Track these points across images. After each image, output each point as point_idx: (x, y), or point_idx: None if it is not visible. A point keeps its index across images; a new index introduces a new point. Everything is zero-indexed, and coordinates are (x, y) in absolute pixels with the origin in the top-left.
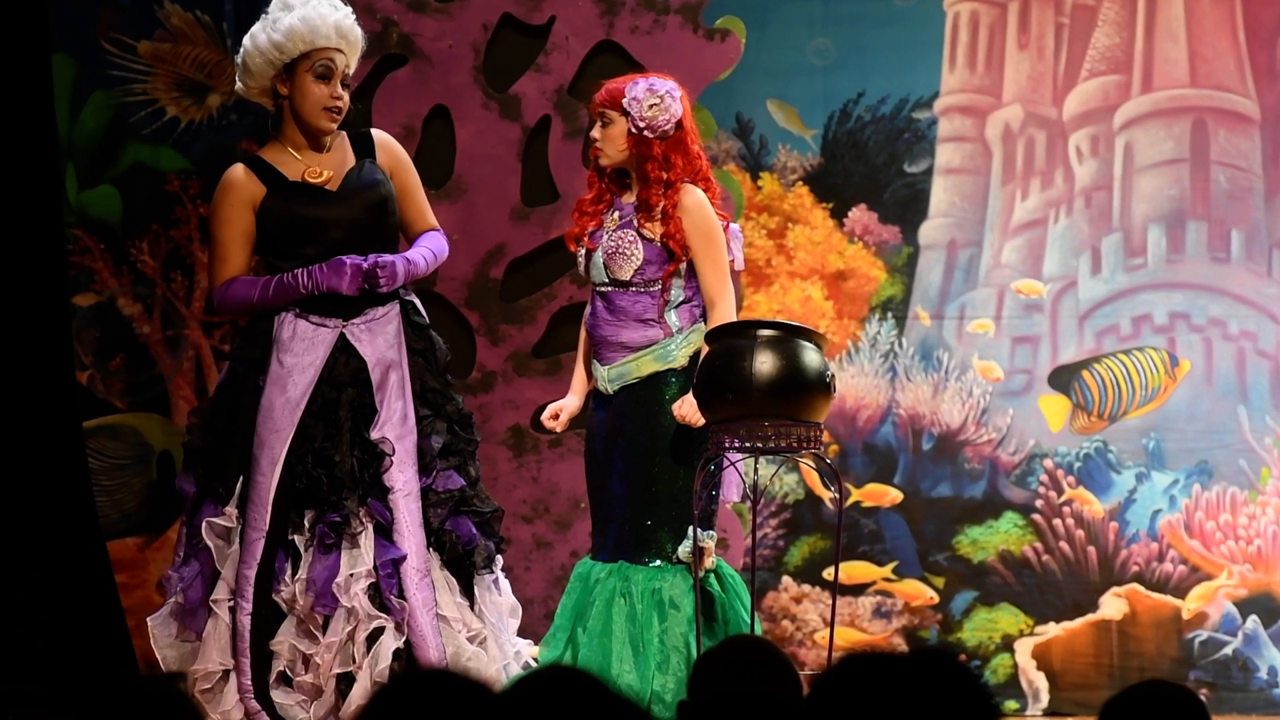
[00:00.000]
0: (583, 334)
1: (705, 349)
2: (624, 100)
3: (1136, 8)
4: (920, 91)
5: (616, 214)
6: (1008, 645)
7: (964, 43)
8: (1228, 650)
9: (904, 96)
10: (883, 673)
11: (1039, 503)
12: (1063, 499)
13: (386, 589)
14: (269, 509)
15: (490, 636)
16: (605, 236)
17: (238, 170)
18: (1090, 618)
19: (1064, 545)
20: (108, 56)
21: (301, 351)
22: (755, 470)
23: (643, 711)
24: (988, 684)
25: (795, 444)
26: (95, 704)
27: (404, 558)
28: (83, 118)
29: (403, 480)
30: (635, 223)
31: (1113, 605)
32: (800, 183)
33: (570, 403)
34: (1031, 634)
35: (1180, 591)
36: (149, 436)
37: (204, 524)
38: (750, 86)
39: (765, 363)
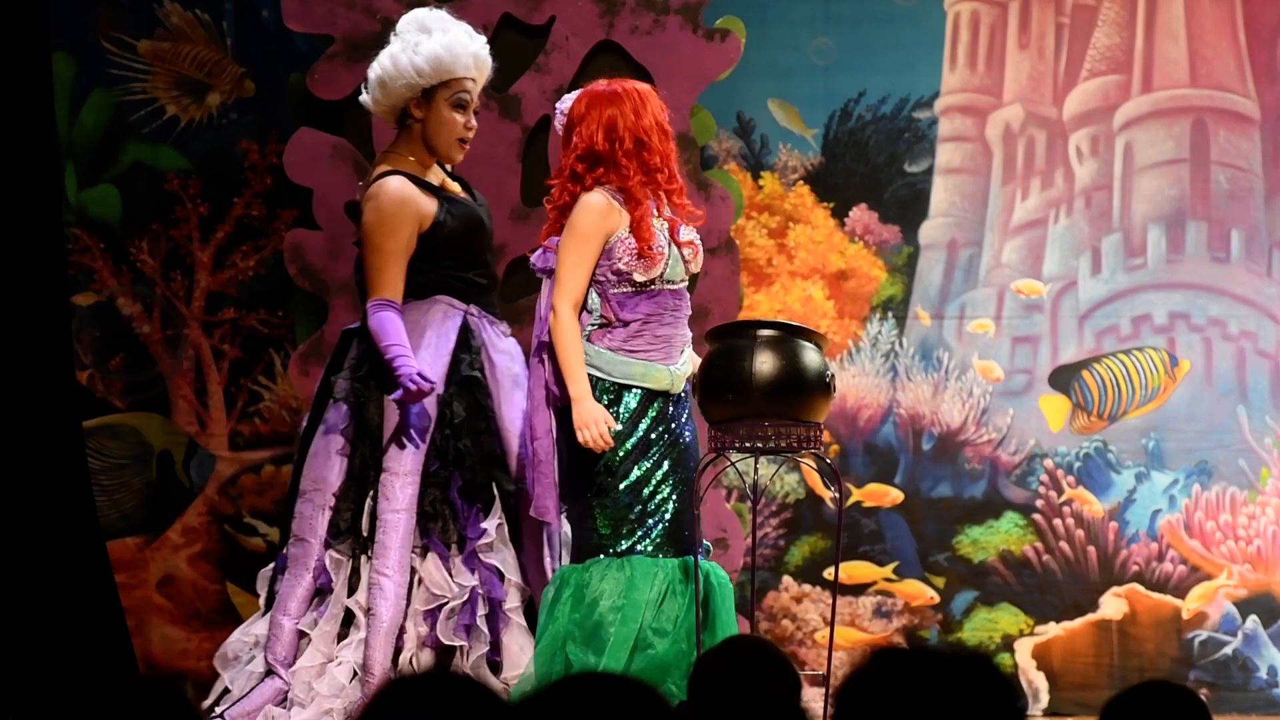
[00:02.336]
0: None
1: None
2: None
3: (1136, 8)
4: (921, 91)
5: (666, 212)
6: (1008, 645)
7: (964, 42)
8: (1227, 650)
9: (905, 96)
10: (915, 669)
11: (1039, 503)
12: (1063, 499)
13: None
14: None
15: None
16: (674, 237)
17: (406, 185)
18: (1090, 618)
19: (1064, 545)
20: (107, 55)
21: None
22: (755, 470)
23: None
24: (1014, 688)
25: (795, 444)
26: (95, 705)
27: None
28: (82, 117)
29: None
30: (680, 219)
31: (1113, 605)
32: (801, 182)
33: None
34: (1031, 634)
35: (1180, 591)
36: (149, 436)
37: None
38: (751, 86)
39: (765, 363)
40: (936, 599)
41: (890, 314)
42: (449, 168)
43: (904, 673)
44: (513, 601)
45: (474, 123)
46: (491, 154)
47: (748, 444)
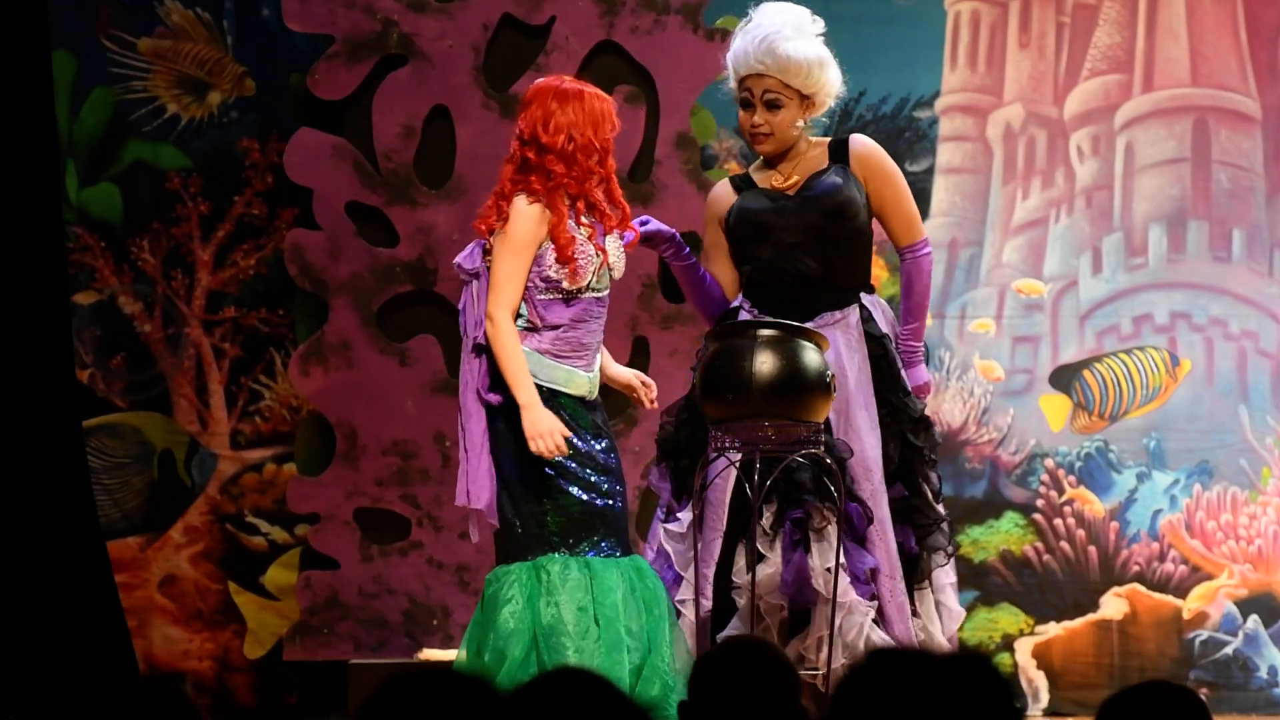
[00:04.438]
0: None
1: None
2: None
3: (1138, 7)
4: (921, 91)
5: (585, 219)
6: (1008, 645)
7: (965, 42)
8: (1228, 650)
9: (905, 96)
10: (911, 670)
11: (1040, 502)
12: (1063, 499)
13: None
14: (726, 508)
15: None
16: (594, 243)
17: (719, 185)
18: (1091, 617)
19: (1065, 545)
20: (108, 54)
21: None
22: (755, 470)
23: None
24: (1012, 688)
25: (795, 444)
26: (95, 705)
27: (876, 566)
28: (83, 115)
29: (869, 487)
30: (601, 223)
31: (1113, 605)
32: None
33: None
34: (1032, 634)
35: (1181, 591)
36: (150, 435)
37: (660, 530)
38: None
39: (765, 363)
40: None
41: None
42: (796, 150)
43: (900, 673)
44: (683, 594)
45: (760, 118)
46: (491, 154)
47: (748, 444)
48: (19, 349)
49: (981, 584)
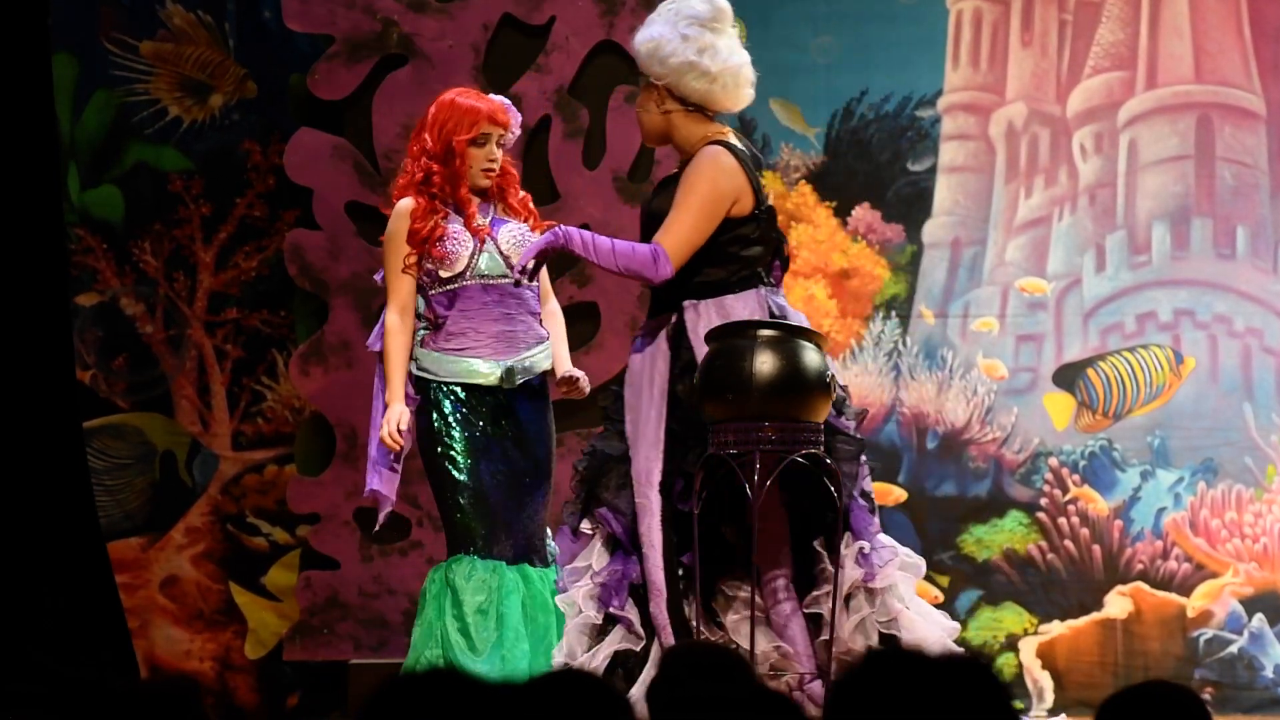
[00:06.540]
0: (401, 340)
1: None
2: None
3: (1140, 3)
4: (924, 89)
5: (451, 207)
6: (1012, 644)
7: (967, 40)
8: (1233, 649)
9: (907, 94)
10: (909, 671)
11: (1044, 501)
12: (1067, 497)
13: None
14: None
15: None
16: (472, 229)
17: None
18: (1095, 616)
19: (1069, 544)
20: (110, 56)
21: None
22: (755, 470)
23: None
24: (1008, 691)
25: (795, 444)
26: (102, 705)
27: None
28: (85, 117)
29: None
30: (506, 215)
31: (1117, 604)
32: (803, 181)
33: (406, 413)
34: (1036, 633)
35: (1185, 590)
36: (152, 436)
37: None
38: None
39: (765, 363)
40: (940, 598)
41: (894, 313)
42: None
43: (898, 674)
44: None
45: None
46: None
47: (747, 444)
48: (20, 350)
49: (985, 583)
